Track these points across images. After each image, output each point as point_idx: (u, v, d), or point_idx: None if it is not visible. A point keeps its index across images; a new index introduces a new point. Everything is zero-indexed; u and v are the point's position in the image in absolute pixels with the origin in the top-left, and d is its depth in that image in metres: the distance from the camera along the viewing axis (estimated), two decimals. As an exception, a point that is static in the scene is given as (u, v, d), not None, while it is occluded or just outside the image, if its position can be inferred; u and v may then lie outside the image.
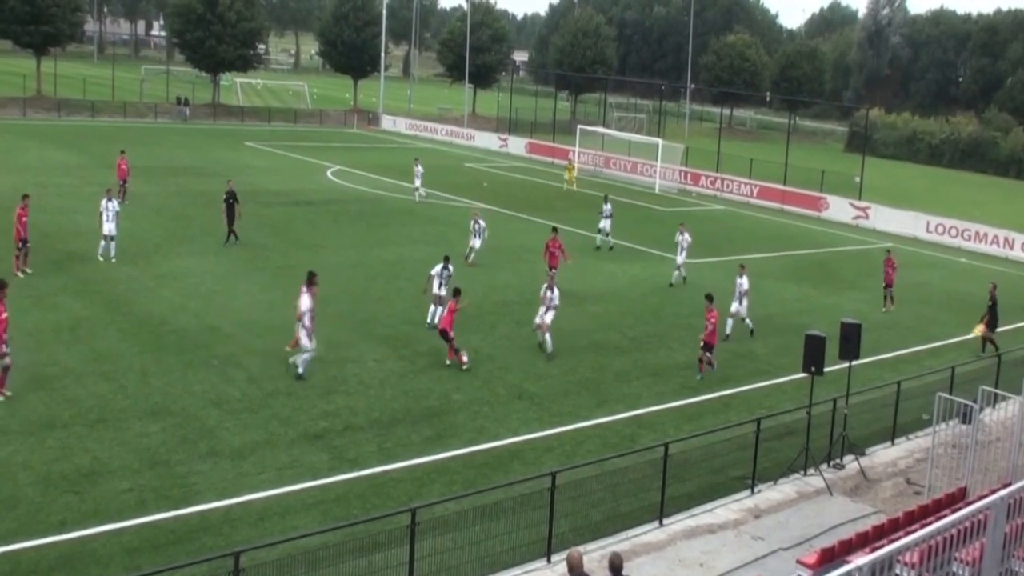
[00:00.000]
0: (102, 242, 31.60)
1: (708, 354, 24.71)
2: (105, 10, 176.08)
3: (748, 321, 28.86)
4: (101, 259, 31.31)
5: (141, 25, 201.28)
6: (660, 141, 65.21)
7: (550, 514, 14.77)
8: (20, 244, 28.84)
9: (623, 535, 15.89)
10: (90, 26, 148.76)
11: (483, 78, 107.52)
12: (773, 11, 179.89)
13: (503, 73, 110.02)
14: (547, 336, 25.25)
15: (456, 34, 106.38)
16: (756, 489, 18.14)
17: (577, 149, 68.84)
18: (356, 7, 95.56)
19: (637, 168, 66.59)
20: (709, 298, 24.81)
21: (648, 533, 16.12)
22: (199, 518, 15.70)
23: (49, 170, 49.31)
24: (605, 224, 39.97)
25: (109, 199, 31.83)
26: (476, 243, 34.98)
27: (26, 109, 77.32)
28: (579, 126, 73.43)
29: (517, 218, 46.04)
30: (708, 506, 17.35)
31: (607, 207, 39.99)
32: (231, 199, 35.03)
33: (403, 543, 13.19)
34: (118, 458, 17.55)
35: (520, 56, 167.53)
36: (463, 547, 14.24)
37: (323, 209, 44.37)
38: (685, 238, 34.45)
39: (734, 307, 28.51)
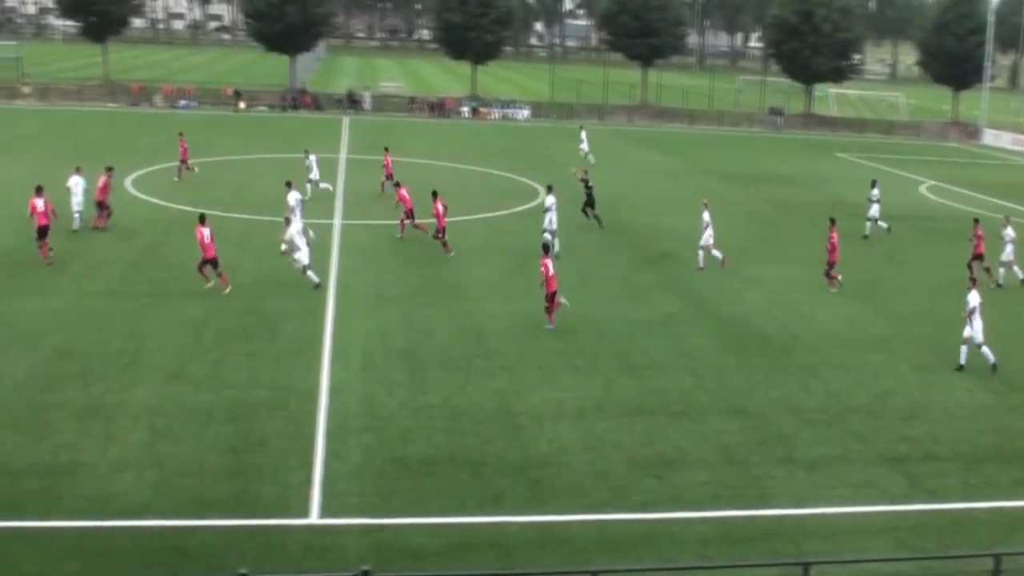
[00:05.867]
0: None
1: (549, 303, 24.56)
2: (707, 23, 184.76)
3: (986, 348, 23.02)
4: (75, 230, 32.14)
5: (739, 37, 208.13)
6: None
7: None
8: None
9: None
10: (692, 39, 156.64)
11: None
12: None
13: None
14: None
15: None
16: None
17: None
18: (960, 15, 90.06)
19: None
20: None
21: None
22: (772, 522, 15.90)
23: (648, 174, 52.78)
24: (874, 210, 38.57)
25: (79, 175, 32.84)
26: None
27: (632, 116, 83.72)
28: None
29: None
30: None
31: (875, 192, 38.65)
32: (588, 184, 37.11)
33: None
34: (697, 450, 18.35)
35: None
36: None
37: (912, 225, 42.47)
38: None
39: (966, 331, 23.04)
